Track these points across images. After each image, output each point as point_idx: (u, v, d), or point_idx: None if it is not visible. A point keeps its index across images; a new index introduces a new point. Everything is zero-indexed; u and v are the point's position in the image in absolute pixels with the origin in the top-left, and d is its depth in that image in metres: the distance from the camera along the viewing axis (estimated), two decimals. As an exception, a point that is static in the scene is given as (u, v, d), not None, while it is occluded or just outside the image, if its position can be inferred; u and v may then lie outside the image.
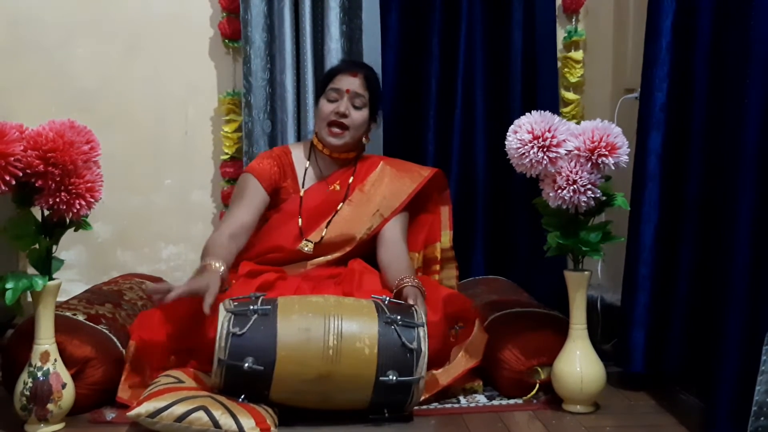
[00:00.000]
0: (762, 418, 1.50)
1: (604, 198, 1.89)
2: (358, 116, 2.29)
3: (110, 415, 1.86)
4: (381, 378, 1.75)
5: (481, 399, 2.00)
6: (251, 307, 1.78)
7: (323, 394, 1.76)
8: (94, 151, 1.72)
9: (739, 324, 1.58)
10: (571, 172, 1.81)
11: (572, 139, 1.83)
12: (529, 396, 1.98)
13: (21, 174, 1.63)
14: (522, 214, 2.64)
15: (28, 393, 1.71)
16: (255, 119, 2.63)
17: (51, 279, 1.74)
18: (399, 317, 1.80)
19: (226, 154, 2.73)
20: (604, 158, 1.81)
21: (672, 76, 1.98)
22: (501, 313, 2.17)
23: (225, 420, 1.65)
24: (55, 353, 1.75)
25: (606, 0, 2.73)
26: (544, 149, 1.81)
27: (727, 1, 1.79)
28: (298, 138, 2.63)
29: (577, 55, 2.77)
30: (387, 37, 2.67)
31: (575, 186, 1.81)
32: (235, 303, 1.81)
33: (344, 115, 2.27)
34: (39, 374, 1.72)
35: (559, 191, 1.82)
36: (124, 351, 1.96)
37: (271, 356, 1.72)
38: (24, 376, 1.73)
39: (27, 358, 1.74)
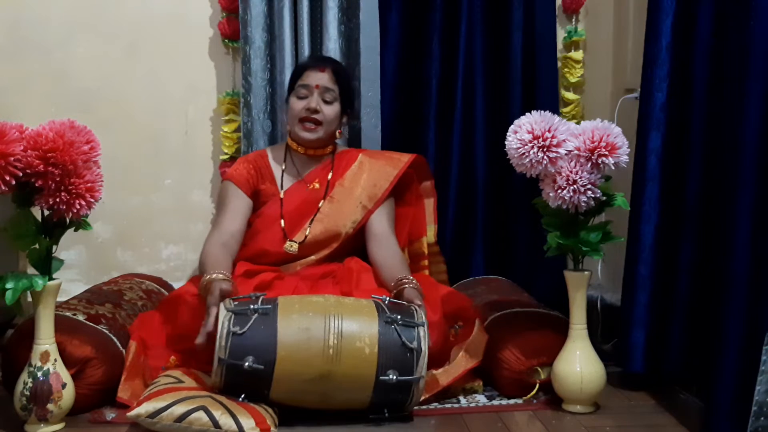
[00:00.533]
0: (762, 418, 1.50)
1: (604, 198, 1.89)
2: (330, 111, 2.29)
3: (110, 415, 1.86)
4: (381, 377, 1.75)
5: (481, 399, 2.00)
6: (251, 307, 1.78)
7: (323, 393, 1.76)
8: (94, 151, 1.72)
9: (739, 324, 1.58)
10: (571, 172, 1.81)
11: (572, 139, 1.83)
12: (529, 396, 1.98)
13: (21, 174, 1.63)
14: (522, 214, 2.64)
15: (28, 393, 1.71)
16: (255, 119, 2.63)
17: (51, 279, 1.74)
18: (399, 317, 1.80)
19: (226, 154, 2.73)
20: (604, 158, 1.81)
21: (672, 76, 1.98)
22: (501, 313, 2.17)
23: (225, 420, 1.65)
24: (55, 353, 1.75)
25: (606, 0, 2.73)
26: (544, 149, 1.81)
27: (727, 1, 1.79)
28: (299, 138, 2.63)
29: (577, 55, 2.77)
30: (386, 37, 2.67)
31: (575, 186, 1.81)
32: (236, 302, 1.81)
33: (315, 111, 2.27)
34: (39, 374, 1.72)
35: (559, 191, 1.82)
36: (124, 351, 1.96)
37: (271, 355, 1.72)
38: (24, 376, 1.73)
39: (27, 358, 1.74)
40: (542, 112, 1.86)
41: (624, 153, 1.84)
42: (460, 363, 1.98)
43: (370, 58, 2.59)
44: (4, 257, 2.49)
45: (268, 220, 2.29)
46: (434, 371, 1.95)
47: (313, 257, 2.27)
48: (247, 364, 1.71)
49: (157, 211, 2.80)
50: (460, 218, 2.72)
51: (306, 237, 2.26)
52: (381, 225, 2.28)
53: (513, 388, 2.00)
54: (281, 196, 2.31)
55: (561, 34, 2.79)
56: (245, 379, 1.73)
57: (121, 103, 2.75)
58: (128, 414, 1.68)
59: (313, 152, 2.34)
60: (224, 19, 2.71)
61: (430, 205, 2.46)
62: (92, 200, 1.72)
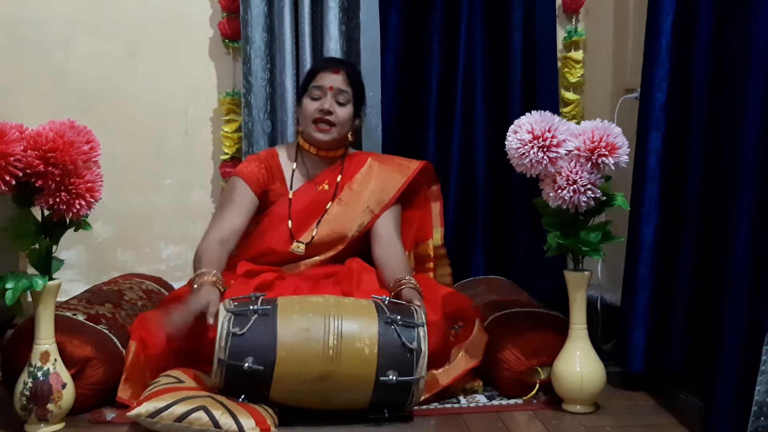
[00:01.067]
0: (762, 418, 1.50)
1: (604, 198, 1.89)
2: (343, 113, 2.28)
3: (110, 415, 1.86)
4: (381, 378, 1.75)
5: (481, 399, 2.00)
6: (251, 307, 1.78)
7: (323, 394, 1.76)
8: (94, 151, 1.72)
9: (739, 324, 1.58)
10: (571, 172, 1.81)
11: (572, 139, 1.83)
12: (529, 396, 1.98)
13: (21, 174, 1.63)
14: (522, 214, 2.64)
15: (28, 393, 1.71)
16: (255, 119, 2.63)
17: (51, 279, 1.74)
18: (399, 317, 1.80)
19: (226, 154, 2.73)
20: (604, 158, 1.81)
21: (672, 76, 1.98)
22: (501, 313, 2.17)
23: (225, 420, 1.65)
24: (55, 353, 1.75)
25: (606, 0, 2.73)
26: (544, 149, 1.81)
27: (727, 1, 1.79)
28: (299, 138, 2.63)
29: (577, 55, 2.77)
30: (387, 37, 2.67)
31: (575, 186, 1.81)
32: (235, 303, 1.81)
33: (329, 112, 2.26)
34: (39, 374, 1.72)
35: (559, 191, 1.82)
36: (124, 351, 1.96)
37: (271, 356, 1.72)
38: (24, 376, 1.73)
39: (27, 358, 1.74)
40: (542, 112, 1.86)
41: (624, 153, 1.84)
42: (460, 363, 1.98)
43: (370, 58, 2.60)
44: (4, 257, 2.49)
45: (276, 219, 2.29)
46: (434, 371, 1.95)
47: (318, 258, 2.27)
48: (246, 364, 1.71)
49: (157, 211, 2.80)
50: (460, 218, 2.72)
51: (313, 238, 2.26)
52: (386, 228, 2.29)
53: (513, 388, 2.00)
54: (290, 196, 2.31)
55: (561, 34, 2.79)
56: (245, 380, 1.73)
57: (121, 103, 2.75)
58: (128, 414, 1.68)
59: (325, 153, 2.34)
60: (224, 19, 2.71)
61: (436, 208, 2.46)
62: (92, 200, 1.72)
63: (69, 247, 2.71)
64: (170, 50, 2.76)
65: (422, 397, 1.85)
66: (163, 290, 2.51)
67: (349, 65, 2.37)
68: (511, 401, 1.98)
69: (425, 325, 1.82)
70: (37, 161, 1.63)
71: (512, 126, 1.87)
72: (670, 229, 1.98)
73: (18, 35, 2.71)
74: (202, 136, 2.80)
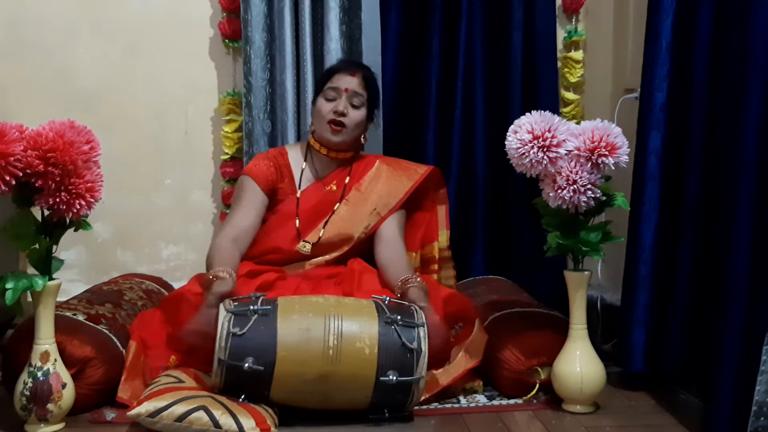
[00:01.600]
0: (762, 418, 1.50)
1: (604, 198, 1.89)
2: (357, 115, 2.29)
3: (110, 415, 1.86)
4: (381, 378, 1.75)
5: (481, 399, 2.00)
6: (251, 307, 1.78)
7: (323, 394, 1.76)
8: (94, 151, 1.72)
9: (739, 324, 1.58)
10: (571, 172, 1.81)
11: (572, 139, 1.83)
12: (529, 396, 1.98)
13: (21, 174, 1.63)
14: (522, 214, 2.64)
15: (28, 393, 1.71)
16: (255, 119, 2.63)
17: (51, 279, 1.74)
18: (399, 317, 1.80)
19: (226, 154, 2.73)
20: (604, 158, 1.81)
21: (672, 76, 1.98)
22: (501, 313, 2.17)
23: (225, 420, 1.65)
24: (55, 353, 1.75)
25: (606, 0, 2.73)
26: (544, 149, 1.81)
27: (727, 1, 1.79)
28: (298, 138, 2.63)
29: (577, 55, 2.77)
30: (387, 37, 2.67)
31: (575, 186, 1.81)
32: (235, 303, 1.81)
33: (343, 114, 2.26)
34: (39, 374, 1.72)
35: (559, 191, 1.82)
36: (124, 351, 1.96)
37: (271, 356, 1.72)
38: (24, 376, 1.73)
39: (27, 358, 1.74)
40: (542, 112, 1.86)
41: (624, 153, 1.84)
42: (460, 363, 1.98)
43: (371, 58, 2.59)
44: (4, 257, 2.49)
45: (283, 217, 2.29)
46: (434, 371, 1.95)
47: (323, 258, 2.27)
48: (247, 365, 1.71)
49: (157, 211, 2.80)
50: (460, 218, 2.72)
51: (320, 238, 2.26)
52: (391, 230, 2.29)
53: (513, 388, 2.00)
54: (298, 195, 2.31)
55: (561, 34, 2.79)
56: (245, 380, 1.73)
57: (121, 103, 2.75)
58: (128, 413, 1.68)
59: (335, 155, 2.33)
60: (225, 19, 2.71)
61: (442, 211, 2.46)
62: (92, 200, 1.71)
63: (69, 247, 2.71)
64: (170, 50, 2.76)
65: (422, 397, 1.85)
66: (163, 290, 2.51)
67: (365, 68, 2.38)
68: (511, 401, 1.98)
69: (425, 325, 1.82)
70: (37, 161, 1.63)
71: (512, 126, 1.87)
72: (670, 229, 1.98)
73: (18, 35, 2.71)
74: (202, 136, 2.80)
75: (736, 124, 1.64)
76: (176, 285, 2.58)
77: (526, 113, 1.87)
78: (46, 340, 1.74)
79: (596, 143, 1.81)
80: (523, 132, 1.83)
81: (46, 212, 1.72)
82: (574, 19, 2.80)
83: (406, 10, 2.71)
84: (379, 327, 1.78)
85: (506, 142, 1.87)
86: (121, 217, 2.77)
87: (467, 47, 2.70)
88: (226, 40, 2.73)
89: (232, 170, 2.73)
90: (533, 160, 1.82)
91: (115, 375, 1.91)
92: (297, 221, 2.27)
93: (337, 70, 2.33)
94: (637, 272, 2.02)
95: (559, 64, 2.77)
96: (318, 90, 2.35)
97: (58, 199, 1.66)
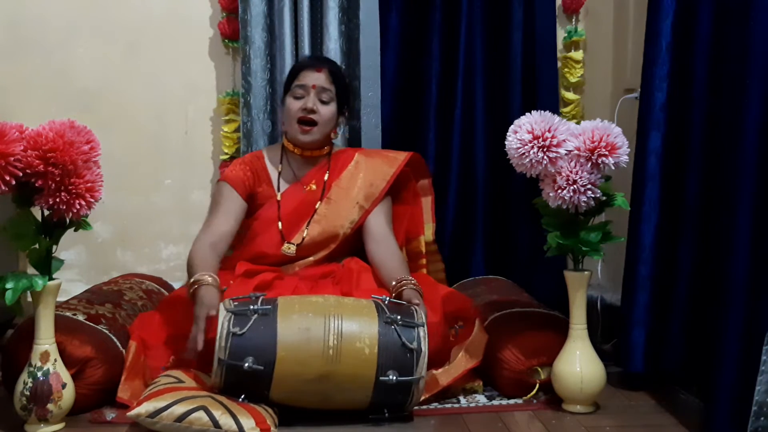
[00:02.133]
0: (762, 418, 1.50)
1: (604, 198, 1.89)
2: (326, 111, 2.27)
3: (110, 415, 1.86)
4: (381, 378, 1.75)
5: (481, 399, 2.00)
6: (251, 307, 1.78)
7: (323, 393, 1.76)
8: (94, 151, 1.72)
9: (739, 324, 1.58)
10: (571, 172, 1.81)
11: (572, 139, 1.83)
12: (529, 396, 1.98)
13: (21, 174, 1.63)
14: (522, 214, 2.64)
15: (28, 393, 1.71)
16: (254, 119, 2.63)
17: (51, 279, 1.74)
18: (399, 317, 1.80)
19: (226, 154, 2.73)
20: (604, 158, 1.81)
21: (672, 76, 1.98)
22: (501, 313, 2.17)
23: (225, 420, 1.65)
24: (55, 353, 1.75)
25: (606, 0, 2.73)
26: (544, 149, 1.81)
27: (727, 1, 1.79)
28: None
29: (577, 55, 2.77)
30: (387, 36, 2.67)
31: (575, 186, 1.81)
32: (235, 303, 1.81)
33: (312, 111, 2.25)
34: (39, 374, 1.72)
35: (559, 191, 1.82)
36: (124, 351, 1.96)
37: (271, 356, 1.72)
38: (24, 376, 1.73)
39: (27, 358, 1.74)
40: (542, 112, 1.86)
41: (624, 153, 1.84)
42: (460, 363, 1.98)
43: (370, 58, 2.59)
44: (4, 257, 2.49)
45: (266, 222, 2.28)
46: (434, 371, 1.95)
47: (311, 258, 2.27)
48: (247, 364, 1.71)
49: (157, 211, 2.80)
50: (460, 218, 2.72)
51: (303, 239, 2.25)
52: (379, 224, 2.28)
53: (513, 388, 2.00)
54: (278, 198, 2.30)
55: (561, 34, 2.79)
56: (245, 380, 1.73)
57: (121, 103, 2.75)
58: (128, 414, 1.68)
59: (310, 153, 2.32)
60: (224, 19, 2.71)
61: (427, 203, 2.45)
62: (92, 200, 1.71)
63: (69, 247, 2.71)
64: (170, 50, 2.76)
65: (422, 397, 1.85)
66: (163, 290, 2.51)
67: (331, 63, 2.37)
68: (511, 401, 1.98)
69: (425, 325, 1.82)
70: (37, 161, 1.63)
71: (512, 126, 1.87)
72: (670, 229, 1.98)
73: (18, 35, 2.71)
74: (201, 136, 2.80)
75: (736, 124, 1.64)
76: (176, 285, 2.59)
77: (526, 113, 1.87)
78: (46, 340, 1.74)
79: (596, 143, 1.81)
80: (523, 132, 1.83)
81: (46, 212, 1.72)
82: (574, 19, 2.80)
83: (406, 10, 2.71)
84: (379, 327, 1.78)
85: (506, 142, 1.87)
86: (121, 217, 2.77)
87: (467, 47, 2.69)
88: (226, 40, 2.73)
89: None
90: (533, 160, 1.82)
91: (115, 375, 1.91)
92: (280, 224, 2.26)
93: (303, 68, 2.31)
94: (637, 272, 2.02)
95: (559, 64, 2.77)
96: (286, 89, 2.33)
97: (58, 199, 1.66)
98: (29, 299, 1.75)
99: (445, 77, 2.71)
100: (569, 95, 2.79)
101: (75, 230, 1.77)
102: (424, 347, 1.78)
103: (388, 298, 1.90)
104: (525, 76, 2.69)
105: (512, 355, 1.99)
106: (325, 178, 2.31)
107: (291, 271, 2.24)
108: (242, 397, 1.74)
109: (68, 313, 1.98)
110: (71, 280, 2.66)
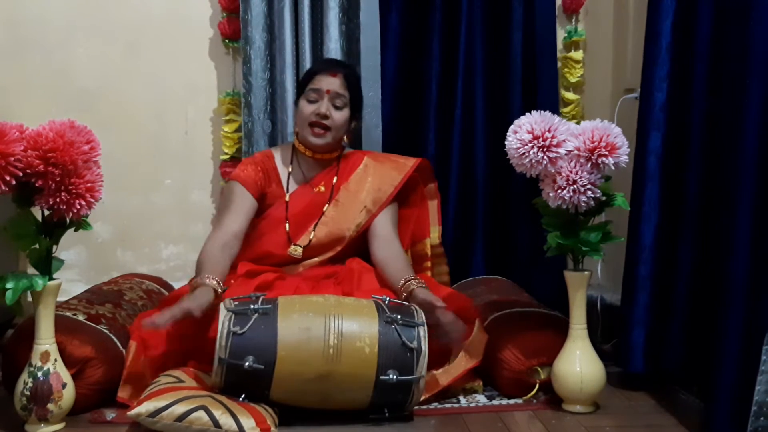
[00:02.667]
0: (762, 418, 1.50)
1: (604, 198, 1.89)
2: (339, 117, 2.27)
3: (110, 414, 1.86)
4: (381, 377, 1.75)
5: (481, 399, 2.00)
6: (252, 307, 1.78)
7: (323, 393, 1.76)
8: (94, 151, 1.72)
9: (739, 324, 1.58)
10: (571, 172, 1.81)
11: (572, 139, 1.83)
12: (529, 396, 1.98)
13: (21, 174, 1.63)
14: (522, 214, 2.64)
15: (28, 393, 1.71)
16: (255, 119, 2.63)
17: (51, 279, 1.74)
18: (399, 316, 1.80)
19: (226, 154, 2.73)
20: (604, 158, 1.81)
21: (672, 77, 1.98)
22: (501, 313, 2.17)
23: (225, 420, 1.65)
24: (55, 353, 1.75)
25: (606, 0, 2.73)
26: (544, 149, 1.81)
27: (727, 1, 1.79)
28: (299, 138, 2.63)
29: (577, 55, 2.77)
30: (387, 37, 2.67)
31: (575, 186, 1.81)
32: (236, 302, 1.81)
33: (325, 116, 2.25)
34: (39, 374, 1.72)
35: (559, 191, 1.82)
36: (124, 351, 1.96)
37: (271, 355, 1.73)
38: (24, 376, 1.73)
39: (27, 358, 1.74)
40: (542, 112, 1.86)
41: (624, 153, 1.84)
42: (460, 363, 1.98)
43: (370, 59, 2.59)
44: (4, 257, 2.49)
45: (273, 222, 2.28)
46: (434, 371, 1.95)
47: (316, 259, 2.27)
48: (247, 364, 1.71)
49: (157, 211, 2.80)
50: (460, 218, 2.72)
51: (310, 241, 2.25)
52: (385, 227, 2.28)
53: (513, 388, 2.00)
54: (286, 199, 2.30)
55: (561, 34, 2.79)
56: (245, 379, 1.73)
57: (121, 103, 2.75)
58: (128, 413, 1.68)
59: (320, 156, 2.32)
60: (224, 19, 2.71)
61: (433, 206, 2.45)
62: (92, 200, 1.72)
63: (69, 247, 2.71)
64: (170, 50, 2.76)
65: (422, 397, 1.85)
66: (163, 290, 2.51)
67: (347, 68, 2.36)
68: (511, 401, 1.98)
69: (425, 325, 1.82)
70: (38, 161, 1.63)
71: (512, 126, 1.87)
72: (670, 229, 1.98)
73: (18, 35, 2.71)
74: (202, 136, 2.80)
75: (736, 124, 1.64)
76: (176, 285, 2.58)
77: (526, 113, 1.87)
78: (46, 340, 1.74)
79: (596, 143, 1.81)
80: (523, 132, 1.83)
81: (46, 212, 1.72)
82: (574, 19, 2.80)
83: (407, 11, 2.71)
84: (380, 326, 1.78)
85: (506, 142, 1.87)
86: (121, 217, 2.77)
87: (467, 47, 2.70)
88: (226, 40, 2.73)
89: (231, 170, 2.70)
90: (533, 160, 1.82)
91: (115, 375, 1.91)
92: (287, 225, 2.26)
93: (318, 71, 2.31)
94: (637, 272, 2.02)
95: (559, 64, 2.77)
96: (299, 92, 2.33)
97: (58, 199, 1.66)
98: (29, 299, 1.75)
99: (445, 77, 2.71)
100: (569, 95, 2.79)
101: (75, 230, 1.78)
102: (425, 347, 1.78)
103: (388, 298, 1.90)
104: (525, 76, 2.69)
105: (512, 355, 1.99)
106: (334, 180, 2.32)
107: (295, 272, 2.24)
108: (242, 396, 1.74)
109: (68, 313, 1.98)
110: (71, 280, 2.67)
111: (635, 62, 2.35)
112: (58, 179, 1.65)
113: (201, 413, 1.65)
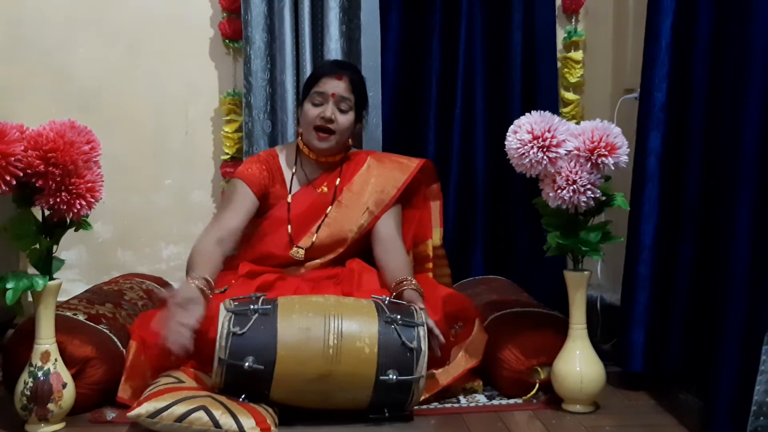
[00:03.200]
0: (761, 418, 1.50)
1: (603, 198, 1.89)
2: (344, 120, 2.26)
3: (110, 415, 1.86)
4: (381, 377, 1.75)
5: (481, 399, 2.00)
6: (252, 307, 1.78)
7: (323, 393, 1.76)
8: (94, 151, 1.72)
9: (739, 324, 1.58)
10: (570, 172, 1.81)
11: (572, 139, 1.84)
12: (529, 396, 1.98)
13: (21, 174, 1.63)
14: (522, 214, 2.64)
15: (28, 393, 1.71)
16: (255, 119, 2.63)
17: (51, 279, 1.74)
18: (399, 316, 1.81)
19: (227, 154, 2.73)
20: (603, 158, 1.81)
21: (672, 77, 1.98)
22: (501, 313, 2.17)
23: (225, 420, 1.65)
24: (55, 353, 1.76)
25: (606, 0, 2.73)
26: (544, 149, 1.81)
27: (727, 1, 1.79)
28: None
29: (577, 55, 2.77)
30: (387, 37, 2.67)
31: (575, 186, 1.81)
32: (236, 303, 1.81)
33: (330, 120, 2.23)
34: (39, 374, 1.72)
35: (559, 191, 1.83)
36: (124, 351, 1.96)
37: (271, 355, 1.73)
38: (24, 376, 1.73)
39: (27, 358, 1.74)
40: (542, 112, 1.86)
41: (624, 153, 1.84)
42: (460, 363, 1.98)
43: (371, 59, 2.59)
44: (4, 257, 2.49)
45: (275, 223, 2.28)
46: (434, 371, 1.95)
47: (318, 261, 2.26)
48: (247, 364, 1.71)
49: (157, 211, 2.80)
50: (460, 218, 2.72)
51: (313, 243, 2.25)
52: (388, 229, 2.27)
53: (513, 388, 2.00)
54: (289, 199, 2.30)
55: (561, 34, 2.79)
56: (245, 380, 1.73)
57: (121, 103, 2.75)
58: (129, 414, 1.68)
59: (324, 159, 2.32)
60: (225, 19, 2.71)
61: (435, 207, 2.45)
62: (92, 200, 1.72)
63: (69, 247, 2.71)
64: (171, 50, 2.76)
65: (422, 397, 1.85)
66: (163, 290, 2.51)
67: (352, 71, 2.34)
68: (511, 401, 1.98)
69: (425, 325, 1.82)
70: (38, 161, 1.63)
71: (512, 126, 1.87)
72: (669, 229, 1.98)
73: (18, 35, 2.71)
74: (202, 136, 2.80)
75: (736, 124, 1.64)
76: (176, 285, 2.58)
77: (526, 113, 1.88)
78: (46, 340, 1.74)
79: (596, 143, 1.82)
80: (522, 132, 1.84)
81: (47, 212, 1.72)
82: (574, 20, 2.80)
83: (407, 11, 2.71)
84: (379, 326, 1.79)
85: (506, 142, 1.87)
86: (122, 217, 2.77)
87: (467, 47, 2.70)
88: (227, 41, 2.73)
89: (232, 170, 2.72)
90: (533, 160, 1.82)
91: (115, 375, 1.91)
92: (289, 227, 2.26)
93: (324, 74, 2.29)
94: (636, 272, 2.02)
95: (559, 64, 2.77)
96: (305, 93, 2.32)
97: (58, 199, 1.67)
98: (30, 299, 1.75)
99: (445, 77, 2.71)
100: (569, 95, 2.79)
101: (75, 230, 1.78)
102: (424, 346, 1.79)
103: (388, 298, 1.90)
104: (525, 76, 2.69)
105: (512, 355, 1.99)
106: (337, 182, 2.31)
107: (297, 273, 2.23)
108: (242, 396, 1.74)
109: (69, 313, 1.98)
110: (71, 280, 2.66)
111: (635, 62, 2.35)
112: (58, 179, 1.65)
113: (201, 413, 1.65)
